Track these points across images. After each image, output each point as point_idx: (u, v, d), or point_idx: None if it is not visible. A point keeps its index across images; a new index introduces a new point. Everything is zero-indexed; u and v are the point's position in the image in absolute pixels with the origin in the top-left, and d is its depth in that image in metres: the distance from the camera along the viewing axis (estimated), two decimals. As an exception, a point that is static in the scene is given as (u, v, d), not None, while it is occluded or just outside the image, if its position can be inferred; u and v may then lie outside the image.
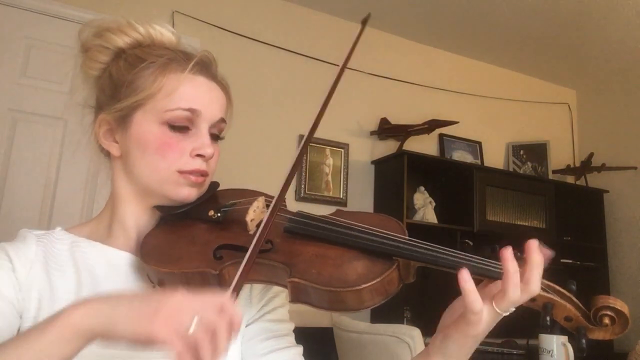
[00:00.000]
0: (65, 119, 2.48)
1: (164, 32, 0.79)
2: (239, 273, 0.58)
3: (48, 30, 2.51)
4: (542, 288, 0.62)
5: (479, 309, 0.58)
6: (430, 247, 0.63)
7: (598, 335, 0.62)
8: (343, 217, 0.72)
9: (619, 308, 0.60)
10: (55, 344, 0.50)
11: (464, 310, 0.60)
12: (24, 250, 0.71)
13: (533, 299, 0.62)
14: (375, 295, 0.61)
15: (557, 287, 0.63)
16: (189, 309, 0.49)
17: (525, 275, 0.59)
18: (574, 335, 0.63)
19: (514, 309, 0.59)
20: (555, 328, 0.64)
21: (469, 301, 0.58)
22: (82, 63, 0.80)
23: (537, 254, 0.59)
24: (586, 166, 3.72)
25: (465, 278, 0.58)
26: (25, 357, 0.49)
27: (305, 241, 0.68)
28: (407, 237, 0.66)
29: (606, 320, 0.61)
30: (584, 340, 0.61)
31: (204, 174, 0.75)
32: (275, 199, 0.67)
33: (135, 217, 0.77)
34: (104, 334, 0.50)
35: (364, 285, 0.60)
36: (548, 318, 0.61)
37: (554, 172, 3.79)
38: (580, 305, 0.63)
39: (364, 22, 0.73)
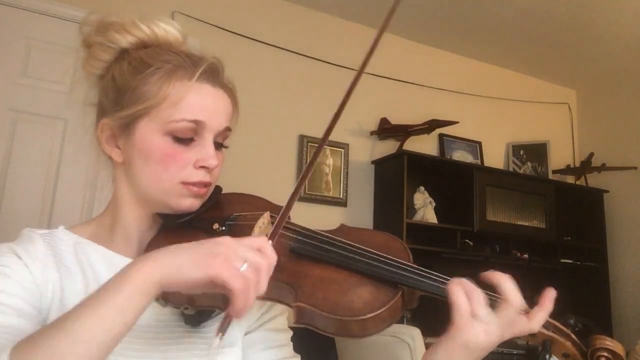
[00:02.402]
0: (65, 119, 2.48)
1: (169, 30, 0.78)
2: (276, 222, 0.61)
3: (48, 30, 2.51)
4: (542, 325, 0.65)
5: (465, 308, 0.62)
6: (436, 277, 0.64)
7: None
8: (347, 235, 0.71)
9: (616, 350, 0.63)
10: (133, 299, 0.53)
11: (453, 313, 0.62)
12: (32, 251, 0.69)
13: (533, 335, 0.65)
14: (380, 323, 0.62)
15: (557, 324, 0.65)
16: (240, 251, 0.54)
17: (532, 312, 0.64)
18: None
19: (490, 315, 0.62)
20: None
21: (455, 301, 0.62)
22: (84, 60, 0.79)
23: (551, 302, 0.64)
24: (586, 166, 3.72)
25: (453, 289, 0.62)
26: (106, 315, 0.52)
27: (311, 262, 0.68)
28: (412, 265, 0.66)
29: None
30: None
31: (207, 185, 0.74)
32: (279, 215, 0.66)
33: (137, 222, 0.76)
34: (171, 283, 0.54)
35: (369, 315, 0.60)
36: (547, 356, 0.63)
37: (554, 172, 3.79)
38: (579, 342, 0.64)
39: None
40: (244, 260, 0.54)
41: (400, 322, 2.69)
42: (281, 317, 0.81)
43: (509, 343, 2.36)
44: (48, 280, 0.68)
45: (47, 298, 0.67)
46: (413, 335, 1.70)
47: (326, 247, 0.69)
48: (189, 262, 0.54)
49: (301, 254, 0.69)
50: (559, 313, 0.65)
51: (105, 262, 0.74)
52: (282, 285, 0.65)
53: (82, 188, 2.48)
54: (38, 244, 0.71)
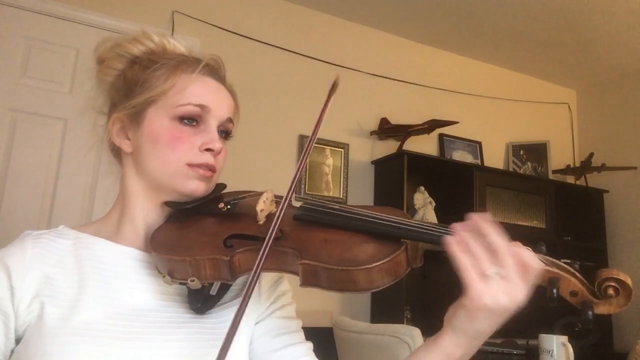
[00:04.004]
0: (65, 119, 2.48)
1: (176, 45, 0.84)
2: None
3: (48, 30, 2.51)
4: (546, 264, 0.63)
5: (465, 265, 0.58)
6: (436, 228, 0.65)
7: (603, 309, 0.63)
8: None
9: (622, 279, 0.61)
10: None
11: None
12: (19, 256, 0.71)
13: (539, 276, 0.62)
14: (385, 276, 0.62)
15: (562, 264, 0.64)
16: None
17: (492, 247, 0.59)
18: (579, 311, 0.63)
19: (497, 270, 0.58)
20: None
21: (454, 257, 0.59)
22: (97, 71, 0.83)
23: (485, 227, 0.60)
24: (586, 166, 3.72)
25: (450, 241, 0.59)
26: None
27: (314, 228, 0.70)
28: (414, 221, 0.68)
29: (610, 291, 0.62)
30: (590, 312, 0.62)
31: (212, 168, 0.77)
32: (289, 188, 0.67)
33: (145, 213, 0.79)
34: None
35: (374, 264, 0.61)
36: (554, 290, 0.61)
37: (554, 172, 3.79)
38: (584, 280, 0.64)
39: (334, 88, 0.74)
40: None
41: (400, 322, 2.69)
42: (290, 306, 0.83)
43: (509, 343, 2.33)
44: (32, 283, 0.69)
45: (33, 300, 0.68)
46: (413, 335, 1.70)
47: (327, 211, 0.72)
48: None
49: (304, 219, 0.71)
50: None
51: (107, 252, 0.75)
52: (287, 251, 0.66)
53: (82, 188, 2.48)
54: (26, 248, 0.72)
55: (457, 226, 0.61)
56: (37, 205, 2.40)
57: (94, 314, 0.68)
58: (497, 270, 0.58)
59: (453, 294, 0.68)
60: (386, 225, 0.66)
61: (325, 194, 3.05)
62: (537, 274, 0.60)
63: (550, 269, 0.63)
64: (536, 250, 0.62)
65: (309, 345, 0.80)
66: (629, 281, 0.61)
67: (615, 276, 0.61)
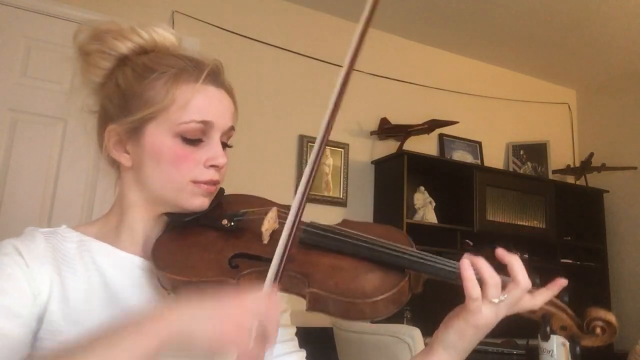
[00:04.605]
0: (65, 119, 2.48)
1: (166, 36, 0.79)
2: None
3: (48, 30, 2.51)
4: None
5: (477, 295, 0.64)
6: (439, 261, 0.67)
7: (588, 342, 0.69)
8: (351, 228, 0.74)
9: (610, 320, 0.68)
10: (145, 348, 0.55)
11: (465, 298, 0.64)
12: (32, 248, 0.70)
13: (532, 311, 0.68)
14: (390, 305, 0.65)
15: (554, 300, 0.69)
16: (250, 313, 0.57)
17: (538, 292, 0.66)
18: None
19: (503, 298, 0.64)
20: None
21: (468, 287, 0.64)
22: (82, 68, 0.78)
23: (509, 256, 0.67)
24: (586, 166, 3.72)
25: (466, 266, 0.64)
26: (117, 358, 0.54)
27: (320, 252, 0.70)
28: (416, 250, 0.70)
29: (598, 330, 0.68)
30: (578, 348, 0.68)
31: (216, 183, 0.76)
32: (296, 211, 0.65)
33: (144, 224, 0.78)
34: (182, 342, 0.56)
35: (380, 297, 0.63)
36: (548, 328, 0.67)
37: (554, 172, 3.79)
38: (574, 316, 0.69)
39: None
40: (253, 322, 0.56)
41: (400, 322, 2.69)
42: (285, 313, 0.83)
43: (509, 343, 2.33)
44: (44, 279, 0.68)
45: (43, 293, 0.68)
46: (413, 335, 1.70)
47: (334, 236, 0.72)
48: (204, 329, 0.56)
49: (310, 244, 0.71)
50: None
51: (111, 259, 0.75)
52: (295, 275, 0.66)
53: (82, 188, 2.48)
54: (39, 242, 0.72)
55: (471, 257, 0.66)
56: (37, 205, 2.40)
57: (103, 319, 0.67)
58: (504, 299, 0.64)
59: (453, 295, 0.69)
60: (391, 255, 0.68)
61: (325, 194, 3.05)
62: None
63: (545, 306, 0.68)
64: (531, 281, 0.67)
65: (302, 354, 0.80)
66: (615, 322, 0.68)
67: (603, 317, 0.68)
